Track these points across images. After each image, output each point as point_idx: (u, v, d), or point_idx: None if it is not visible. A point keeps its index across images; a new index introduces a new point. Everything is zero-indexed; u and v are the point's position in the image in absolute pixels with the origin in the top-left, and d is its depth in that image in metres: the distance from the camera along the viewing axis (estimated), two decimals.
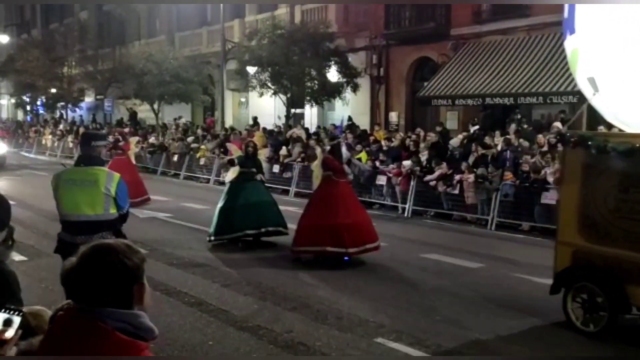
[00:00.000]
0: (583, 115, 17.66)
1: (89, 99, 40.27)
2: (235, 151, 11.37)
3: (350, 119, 22.21)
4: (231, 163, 11.14)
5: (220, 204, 10.74)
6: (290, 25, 23.12)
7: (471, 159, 14.56)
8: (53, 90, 36.77)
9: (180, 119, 29.03)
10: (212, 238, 10.55)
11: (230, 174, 11.12)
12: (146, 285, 1.98)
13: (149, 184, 18.16)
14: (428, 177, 14.52)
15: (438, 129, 17.98)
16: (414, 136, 17.45)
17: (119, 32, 36.17)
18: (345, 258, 9.27)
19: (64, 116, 39.03)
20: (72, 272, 1.91)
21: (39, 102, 40.14)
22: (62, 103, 38.03)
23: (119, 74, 30.48)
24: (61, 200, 5.48)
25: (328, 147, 10.60)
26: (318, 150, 11.24)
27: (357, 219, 9.38)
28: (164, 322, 6.28)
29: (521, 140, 15.00)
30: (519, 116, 17.59)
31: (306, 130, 21.76)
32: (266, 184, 11.98)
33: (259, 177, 10.95)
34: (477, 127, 17.69)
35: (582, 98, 15.77)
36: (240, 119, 29.07)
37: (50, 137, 33.09)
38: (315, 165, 10.38)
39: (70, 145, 30.19)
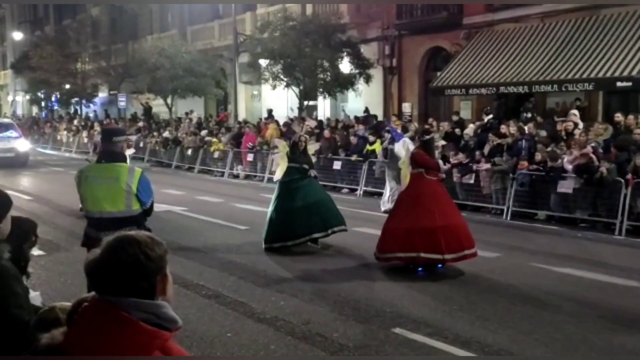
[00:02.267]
0: (599, 104, 17.56)
1: (102, 95, 40.50)
2: (282, 147, 10.43)
3: (367, 110, 22.13)
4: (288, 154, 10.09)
5: (272, 207, 9.83)
6: (302, 17, 23.07)
7: (486, 149, 14.47)
8: (67, 86, 37.06)
9: (192, 112, 29.12)
10: (274, 245, 9.58)
11: (279, 172, 10.20)
12: (169, 276, 1.99)
13: (163, 178, 18.30)
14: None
15: (455, 118, 17.88)
16: (427, 126, 17.35)
17: (131, 27, 36.30)
18: (439, 266, 8.38)
19: (78, 112, 39.29)
20: (96, 263, 1.93)
21: (53, 98, 40.45)
22: (76, 99, 38.30)
23: (132, 69, 30.62)
24: (84, 197, 5.52)
25: (416, 142, 9.69)
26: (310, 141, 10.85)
27: (453, 222, 8.38)
28: (181, 315, 6.25)
29: (532, 126, 14.88)
30: (532, 105, 17.46)
31: (320, 122, 21.73)
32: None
33: (312, 173, 10.07)
34: (491, 116, 17.58)
35: (597, 86, 15.83)
36: (254, 112, 29.11)
37: (65, 132, 33.37)
38: (402, 163, 9.37)
39: (85, 140, 30.41)
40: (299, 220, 9.47)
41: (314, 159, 10.77)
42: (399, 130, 14.34)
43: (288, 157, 9.95)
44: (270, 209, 9.84)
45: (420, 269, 8.34)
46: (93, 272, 1.93)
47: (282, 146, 10.46)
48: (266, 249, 9.59)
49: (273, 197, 10.01)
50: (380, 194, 15.99)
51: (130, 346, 1.82)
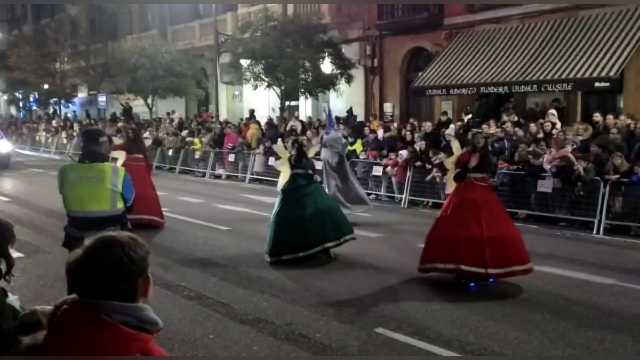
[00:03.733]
0: (577, 104, 17.77)
1: (82, 95, 40.12)
2: (282, 152, 9.73)
3: (350, 110, 22.16)
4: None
5: (276, 217, 9.08)
6: (283, 17, 23.04)
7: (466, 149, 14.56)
8: (45, 86, 36.63)
9: (173, 113, 28.96)
10: (284, 257, 8.78)
11: (282, 179, 9.51)
12: (151, 278, 1.98)
13: None
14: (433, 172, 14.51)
15: (442, 118, 17.97)
16: (409, 126, 17.44)
17: (110, 27, 35.98)
18: (491, 280, 7.67)
19: (57, 112, 38.91)
20: (78, 265, 1.91)
21: (31, 99, 39.98)
22: (55, 99, 37.90)
23: (112, 69, 30.37)
24: (67, 196, 5.53)
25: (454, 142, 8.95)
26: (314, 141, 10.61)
27: (502, 233, 7.62)
28: (163, 316, 6.22)
29: (516, 129, 15.03)
30: (512, 105, 17.62)
31: (302, 122, 21.72)
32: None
33: (317, 178, 9.53)
34: (470, 115, 17.73)
35: (576, 86, 16.02)
36: (235, 112, 29.02)
37: (44, 133, 33.01)
38: (451, 163, 8.35)
39: (64, 141, 30.13)
40: (311, 228, 8.81)
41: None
42: (341, 129, 14.62)
43: (290, 163, 9.36)
44: (273, 220, 9.11)
45: (472, 284, 7.68)
46: (74, 274, 1.91)
47: (282, 151, 9.76)
48: (273, 263, 8.80)
49: (276, 206, 9.26)
50: None
51: (110, 349, 1.81)
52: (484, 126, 15.36)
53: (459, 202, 7.82)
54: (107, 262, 1.88)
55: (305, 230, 8.80)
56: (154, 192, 11.66)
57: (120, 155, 11.40)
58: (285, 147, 9.81)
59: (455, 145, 8.62)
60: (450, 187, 8.30)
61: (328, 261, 9.06)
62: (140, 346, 1.85)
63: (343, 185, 12.16)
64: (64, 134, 30.63)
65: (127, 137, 12.40)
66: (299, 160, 9.32)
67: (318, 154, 11.82)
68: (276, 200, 9.43)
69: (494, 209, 7.82)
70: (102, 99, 35.11)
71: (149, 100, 28.95)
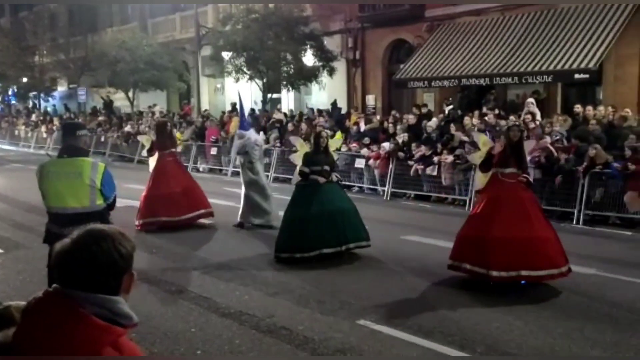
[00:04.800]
0: (557, 95, 17.91)
1: (61, 88, 39.67)
2: (300, 146, 9.30)
3: (335, 102, 22.12)
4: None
5: (286, 213, 8.82)
6: (265, 9, 22.94)
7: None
8: (24, 80, 36.17)
9: (155, 106, 28.76)
10: (282, 255, 8.53)
11: (297, 174, 9.10)
12: (135, 274, 1.97)
13: (125, 172, 18.03)
14: (413, 164, 14.56)
15: (423, 110, 18.02)
16: (391, 117, 17.47)
17: (90, 20, 35.57)
18: (522, 282, 7.13)
19: (37, 106, 38.47)
20: (67, 256, 1.88)
21: (10, 92, 39.45)
22: (34, 93, 37.45)
23: (92, 62, 30.06)
24: (46, 192, 5.42)
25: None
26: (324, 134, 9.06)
27: (516, 234, 7.07)
28: (145, 311, 6.25)
29: (493, 117, 15.12)
30: (493, 97, 17.73)
31: (285, 115, 21.67)
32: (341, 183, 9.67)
33: (334, 176, 8.86)
34: (451, 106, 17.80)
35: (556, 78, 16.13)
36: (217, 105, 28.88)
37: (23, 127, 32.63)
38: (478, 158, 7.83)
39: (44, 135, 29.80)
40: (311, 230, 8.33)
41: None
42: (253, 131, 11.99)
43: (306, 158, 8.79)
44: (283, 215, 8.88)
45: (523, 282, 7.19)
46: (61, 264, 1.88)
47: (300, 145, 9.32)
48: (276, 259, 8.62)
49: (289, 202, 8.93)
50: (345, 187, 16.04)
51: (81, 340, 1.78)
52: (466, 118, 15.43)
53: (483, 200, 7.49)
54: (98, 255, 1.86)
55: (304, 231, 8.36)
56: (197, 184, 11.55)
57: (153, 159, 11.41)
58: (306, 141, 9.30)
59: (482, 139, 8.03)
60: (480, 183, 7.84)
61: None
62: (111, 339, 1.83)
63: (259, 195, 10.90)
64: (43, 128, 30.30)
65: (160, 132, 11.64)
66: (316, 155, 8.73)
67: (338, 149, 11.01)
68: (291, 197, 9.02)
69: (516, 207, 7.22)
70: (82, 92, 34.71)
71: (130, 94, 28.70)
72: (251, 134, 11.16)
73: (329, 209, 8.45)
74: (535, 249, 7.08)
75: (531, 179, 7.86)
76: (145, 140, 12.19)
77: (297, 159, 9.19)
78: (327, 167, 8.71)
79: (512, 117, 14.76)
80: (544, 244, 7.16)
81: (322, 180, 8.63)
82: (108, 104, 32.66)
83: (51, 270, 4.85)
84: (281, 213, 9.29)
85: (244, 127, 11.23)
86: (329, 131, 9.74)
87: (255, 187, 10.82)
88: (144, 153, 12.25)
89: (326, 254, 8.38)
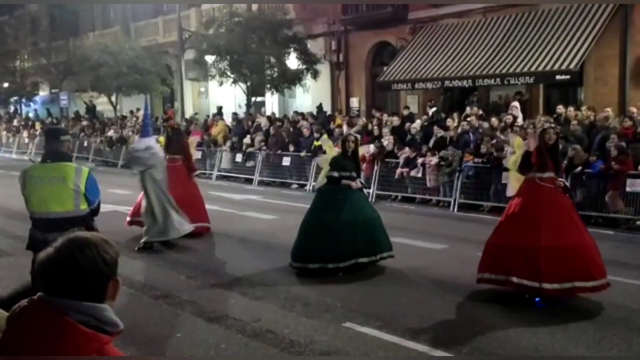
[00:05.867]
0: (540, 97, 18.07)
1: (43, 93, 39.33)
2: (329, 148, 8.86)
3: (320, 106, 22.14)
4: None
5: (308, 218, 8.27)
6: (248, 12, 22.92)
7: (432, 142, 14.73)
8: (5, 85, 35.84)
9: (138, 111, 28.58)
10: (311, 266, 7.93)
11: (321, 178, 8.58)
12: (119, 281, 1.97)
13: (109, 177, 17.92)
14: (399, 169, 14.59)
15: (405, 112, 18.10)
16: (376, 120, 17.52)
17: (72, 24, 35.31)
18: (537, 300, 6.71)
19: (18, 111, 38.11)
20: (50, 264, 1.87)
21: None
22: (16, 97, 37.11)
23: (74, 67, 29.81)
24: (29, 197, 5.39)
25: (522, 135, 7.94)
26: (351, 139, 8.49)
27: (567, 242, 6.58)
28: (130, 316, 6.21)
29: (481, 122, 15.22)
30: (476, 98, 17.85)
31: (268, 118, 21.65)
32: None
33: (358, 183, 8.37)
34: (435, 108, 17.90)
35: (537, 79, 16.28)
36: (201, 109, 28.79)
37: (4, 133, 32.32)
38: (513, 162, 7.40)
39: (26, 140, 29.54)
40: (345, 238, 7.87)
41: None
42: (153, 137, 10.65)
43: (334, 161, 8.28)
44: (304, 221, 8.29)
45: (538, 299, 6.70)
46: (45, 273, 1.88)
47: (329, 147, 8.85)
48: (297, 269, 8.06)
49: (311, 207, 8.42)
50: None
51: (66, 348, 1.79)
52: (449, 120, 15.52)
53: (519, 205, 6.89)
54: (82, 263, 1.86)
55: (337, 239, 7.87)
56: (194, 196, 10.71)
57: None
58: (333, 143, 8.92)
59: (517, 142, 7.52)
60: (512, 188, 7.36)
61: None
62: (97, 347, 1.83)
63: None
64: (25, 134, 30.03)
65: (166, 134, 11.17)
66: (345, 159, 8.27)
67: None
68: (312, 201, 8.58)
69: (559, 213, 6.75)
70: (64, 97, 34.43)
71: (113, 98, 28.52)
72: (150, 141, 9.98)
73: (361, 217, 8.09)
74: (587, 257, 6.65)
75: (568, 184, 7.55)
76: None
77: (324, 162, 8.63)
78: (354, 174, 8.31)
79: (494, 119, 14.87)
80: (593, 251, 6.76)
81: (355, 185, 8.24)
82: (91, 109, 32.42)
83: (35, 278, 4.82)
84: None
85: (147, 133, 10.09)
86: (358, 135, 9.36)
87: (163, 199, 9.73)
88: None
89: (362, 263, 7.99)
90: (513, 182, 7.42)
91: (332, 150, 8.75)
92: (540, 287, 6.49)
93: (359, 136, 9.42)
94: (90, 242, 1.91)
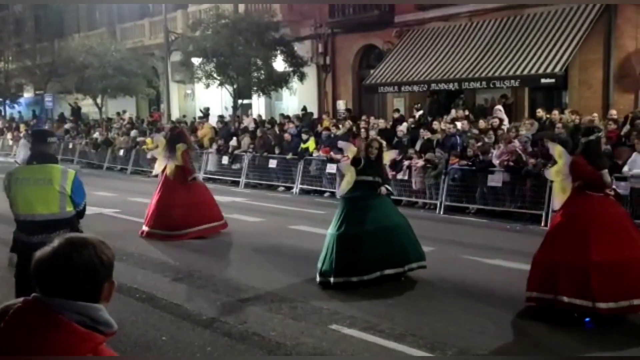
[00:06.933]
0: (525, 100, 18.20)
1: (28, 95, 39.04)
2: (350, 152, 8.33)
3: (305, 108, 22.16)
4: (354, 163, 7.86)
5: (333, 229, 7.74)
6: (235, 14, 22.88)
7: (418, 144, 14.78)
8: None
9: (124, 113, 28.46)
10: (335, 280, 7.45)
11: (345, 185, 7.95)
12: (115, 282, 1.98)
13: (94, 180, 17.81)
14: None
15: (396, 115, 18.13)
16: (363, 122, 17.53)
17: (57, 25, 35.08)
18: (586, 320, 6.10)
19: (2, 113, 37.78)
20: (47, 264, 1.87)
21: None
22: (0, 99, 36.79)
23: (59, 68, 29.63)
24: (15, 199, 5.31)
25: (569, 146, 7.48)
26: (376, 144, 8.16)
27: (621, 256, 6.05)
28: (115, 319, 6.13)
29: (466, 124, 15.29)
30: (462, 101, 17.94)
31: (255, 120, 21.63)
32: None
33: (383, 189, 7.90)
34: (421, 112, 17.96)
35: (523, 82, 16.38)
36: (187, 111, 28.70)
37: None
38: (555, 173, 6.88)
39: (10, 142, 29.29)
40: (369, 250, 7.46)
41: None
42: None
43: (357, 166, 7.81)
44: (330, 232, 7.82)
45: (587, 319, 6.10)
46: (42, 272, 1.88)
47: (351, 151, 8.30)
48: (322, 284, 7.60)
49: (335, 217, 7.90)
50: (317, 192, 16.10)
51: (61, 348, 1.79)
52: (435, 123, 15.57)
53: (567, 218, 6.38)
54: (79, 263, 1.87)
55: (360, 250, 7.46)
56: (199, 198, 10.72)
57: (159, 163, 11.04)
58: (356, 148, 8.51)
59: (557, 150, 6.91)
60: (558, 201, 6.77)
61: (283, 260, 9.03)
62: (91, 347, 1.84)
63: None
64: (9, 135, 29.79)
65: (173, 140, 11.09)
66: (369, 164, 7.82)
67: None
68: (337, 210, 8.03)
69: (612, 225, 6.22)
70: (48, 99, 34.17)
71: (99, 100, 28.37)
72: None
73: (386, 225, 7.62)
74: (634, 272, 6.07)
75: (620, 192, 7.12)
76: (149, 142, 11.68)
77: (347, 168, 8.10)
78: (378, 179, 7.86)
79: (480, 122, 14.95)
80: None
81: (383, 191, 7.84)
82: (76, 111, 32.20)
83: (19, 280, 4.77)
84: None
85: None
86: (383, 141, 8.87)
87: None
88: (149, 155, 11.46)
89: (388, 275, 7.56)
90: (558, 193, 6.84)
91: (353, 153, 8.22)
92: (594, 306, 5.95)
93: (384, 142, 8.94)
94: (87, 242, 1.92)
